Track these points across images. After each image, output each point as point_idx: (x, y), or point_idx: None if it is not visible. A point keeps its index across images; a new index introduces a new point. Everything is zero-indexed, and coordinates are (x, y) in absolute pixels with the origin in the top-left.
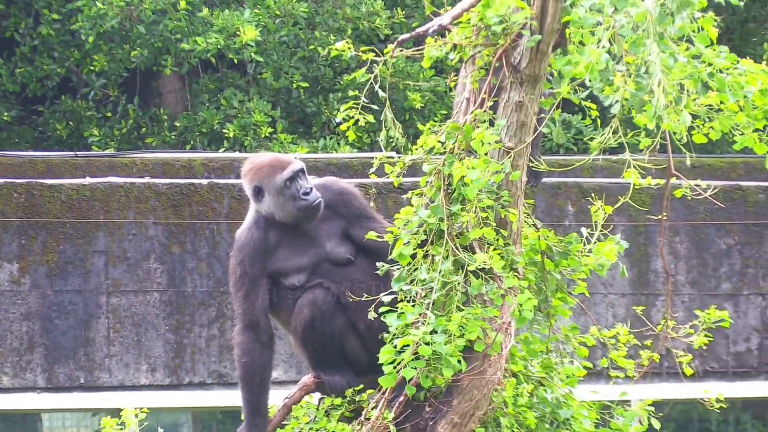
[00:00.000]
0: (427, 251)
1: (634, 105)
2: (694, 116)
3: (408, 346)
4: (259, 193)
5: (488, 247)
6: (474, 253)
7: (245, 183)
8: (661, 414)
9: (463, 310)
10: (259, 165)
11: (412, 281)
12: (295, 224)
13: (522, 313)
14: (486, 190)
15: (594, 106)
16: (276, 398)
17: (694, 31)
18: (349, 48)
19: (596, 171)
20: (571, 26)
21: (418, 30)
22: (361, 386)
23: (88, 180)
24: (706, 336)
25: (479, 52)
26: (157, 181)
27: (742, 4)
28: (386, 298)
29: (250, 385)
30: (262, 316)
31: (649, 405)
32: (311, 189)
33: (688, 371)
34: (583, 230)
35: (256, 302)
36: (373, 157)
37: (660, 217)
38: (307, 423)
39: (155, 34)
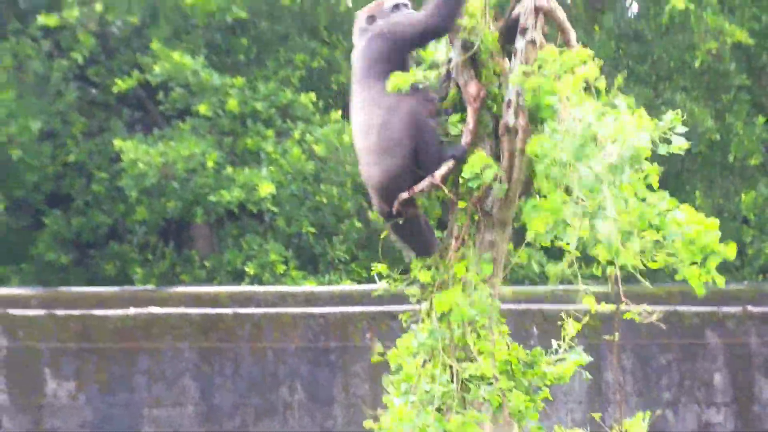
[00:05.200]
0: (426, 368)
1: (589, 242)
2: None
3: None
4: None
5: (480, 356)
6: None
7: (361, 16)
8: None
9: (460, 414)
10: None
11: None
12: None
13: (521, 412)
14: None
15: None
16: None
17: (640, 180)
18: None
19: (556, 298)
20: (536, 179)
21: (415, 188)
22: None
23: (132, 311)
24: None
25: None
26: (189, 311)
27: (682, 151)
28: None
29: None
30: None
31: None
32: None
33: None
34: (554, 342)
35: None
36: (369, 290)
37: (612, 337)
38: None
39: (187, 189)
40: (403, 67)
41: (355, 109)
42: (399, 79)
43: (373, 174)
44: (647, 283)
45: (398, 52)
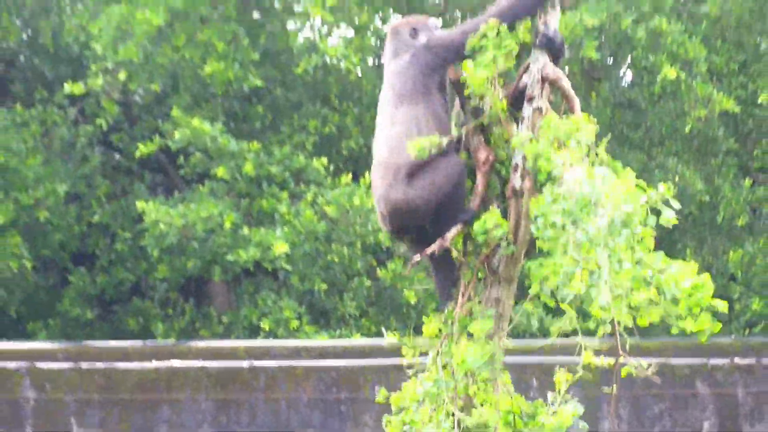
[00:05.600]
0: (431, 416)
1: (585, 299)
2: (638, 308)
3: None
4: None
5: (482, 405)
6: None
7: (402, 29)
8: None
9: None
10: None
11: None
12: None
13: None
14: (476, 367)
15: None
16: None
17: (636, 241)
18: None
19: (555, 351)
20: (537, 240)
21: (426, 250)
22: None
23: (154, 364)
24: None
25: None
26: (207, 364)
27: (672, 221)
28: None
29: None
30: None
31: None
32: None
33: None
34: (549, 394)
35: None
36: (378, 344)
37: (610, 389)
38: None
39: (206, 248)
40: (444, 83)
41: (393, 121)
42: (430, 142)
43: (392, 196)
44: (640, 338)
45: (446, 66)
